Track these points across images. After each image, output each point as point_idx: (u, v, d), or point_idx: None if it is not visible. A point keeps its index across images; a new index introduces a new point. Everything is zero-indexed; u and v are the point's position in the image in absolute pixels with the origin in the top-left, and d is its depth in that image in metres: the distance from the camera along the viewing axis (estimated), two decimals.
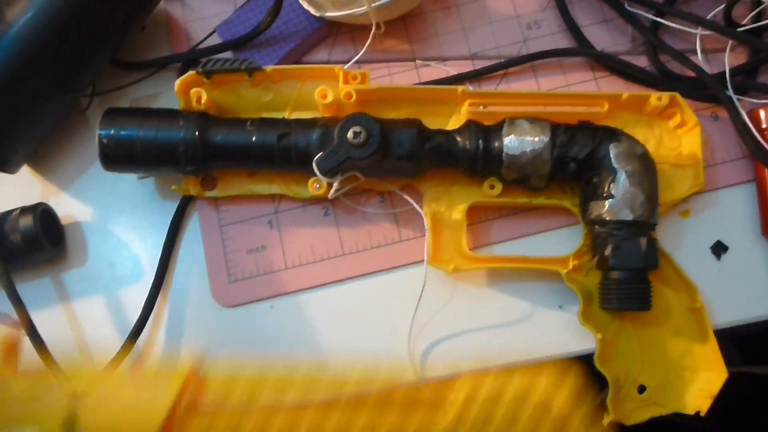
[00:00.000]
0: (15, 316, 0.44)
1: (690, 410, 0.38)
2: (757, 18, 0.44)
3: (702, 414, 0.38)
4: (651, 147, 0.40)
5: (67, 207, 0.46)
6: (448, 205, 0.41)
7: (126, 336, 0.42)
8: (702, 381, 0.38)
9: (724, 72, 0.43)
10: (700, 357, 0.38)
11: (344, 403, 0.33)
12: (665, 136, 0.41)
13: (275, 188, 0.43)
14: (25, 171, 0.46)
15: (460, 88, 0.40)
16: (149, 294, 0.43)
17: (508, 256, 0.41)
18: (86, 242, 0.45)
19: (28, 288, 0.44)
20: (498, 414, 0.32)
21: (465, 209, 0.41)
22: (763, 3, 0.43)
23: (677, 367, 0.38)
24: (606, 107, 0.40)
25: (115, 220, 0.46)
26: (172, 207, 0.45)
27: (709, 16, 0.44)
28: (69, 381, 0.35)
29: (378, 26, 0.44)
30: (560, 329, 0.42)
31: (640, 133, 0.41)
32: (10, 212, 0.43)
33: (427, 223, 0.40)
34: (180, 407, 0.32)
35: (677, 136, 0.41)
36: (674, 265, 0.40)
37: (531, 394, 0.32)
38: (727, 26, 0.43)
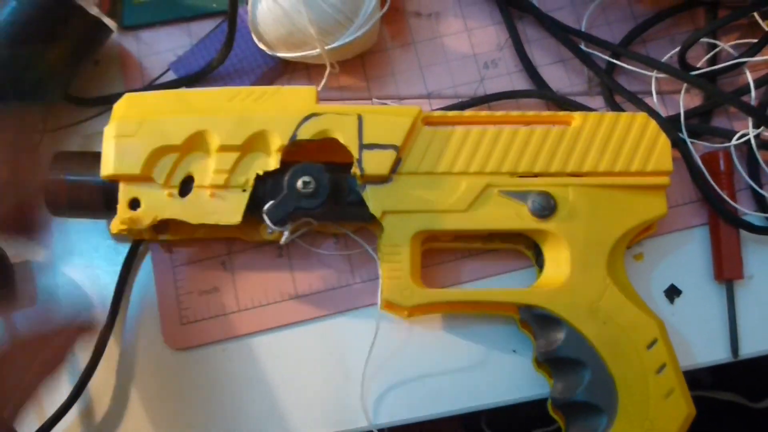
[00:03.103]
0: None
1: None
2: (712, 62, 0.44)
3: None
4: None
5: (16, 247, 0.45)
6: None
7: (76, 378, 0.42)
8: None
9: (679, 114, 0.43)
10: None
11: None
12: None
13: (228, 232, 0.43)
14: None
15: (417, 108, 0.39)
16: (100, 336, 0.42)
17: (465, 291, 0.41)
18: (35, 282, 0.44)
19: None
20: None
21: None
22: (718, 47, 0.43)
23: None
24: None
25: (67, 260, 0.45)
26: (124, 247, 0.44)
27: (664, 59, 0.44)
28: None
29: (333, 66, 0.43)
30: (514, 374, 0.42)
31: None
32: None
33: (380, 267, 0.40)
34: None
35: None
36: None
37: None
38: (682, 69, 0.43)
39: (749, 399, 0.67)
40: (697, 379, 0.74)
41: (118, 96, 0.45)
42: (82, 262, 0.45)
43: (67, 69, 0.43)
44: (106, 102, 0.46)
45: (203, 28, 0.47)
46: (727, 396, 0.69)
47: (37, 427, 0.41)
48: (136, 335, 0.43)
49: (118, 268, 0.44)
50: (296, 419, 0.42)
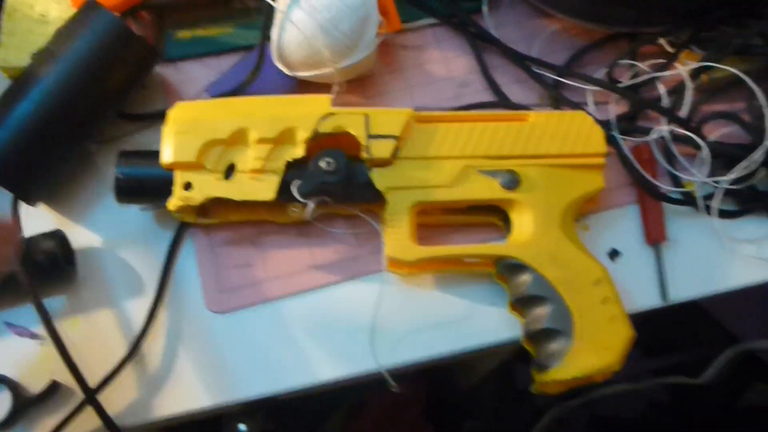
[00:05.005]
0: (31, 329, 0.52)
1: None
2: (635, 76, 0.57)
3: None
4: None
5: (78, 235, 0.54)
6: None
7: (132, 339, 0.51)
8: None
9: (610, 119, 0.55)
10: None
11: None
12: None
13: (258, 215, 0.53)
14: (41, 205, 0.55)
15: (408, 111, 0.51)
16: (152, 305, 0.51)
17: (452, 247, 0.51)
18: (95, 264, 0.53)
19: (47, 303, 0.50)
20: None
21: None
22: (636, 66, 0.56)
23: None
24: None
25: (120, 246, 0.54)
26: (167, 234, 0.54)
27: (597, 75, 0.57)
28: None
29: (340, 85, 0.54)
30: (494, 321, 0.52)
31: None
32: (32, 237, 0.51)
33: (385, 236, 0.50)
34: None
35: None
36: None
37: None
38: (611, 83, 0.56)
39: (690, 376, 0.77)
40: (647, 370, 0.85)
41: (162, 112, 0.56)
42: (132, 248, 0.54)
43: (125, 88, 0.54)
44: (151, 118, 0.56)
45: (230, 60, 0.58)
46: (673, 379, 0.79)
47: (100, 380, 0.49)
48: (182, 303, 0.52)
49: (164, 252, 0.53)
50: (318, 366, 0.51)
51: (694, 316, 1.11)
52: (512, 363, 1.06)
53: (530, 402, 1.08)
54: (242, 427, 0.94)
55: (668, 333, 1.07)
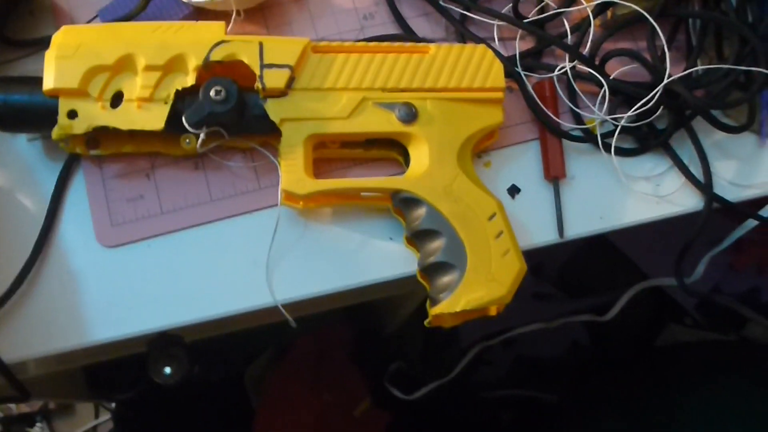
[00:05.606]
0: None
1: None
2: (541, 12, 0.56)
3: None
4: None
5: None
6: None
7: (17, 272, 0.49)
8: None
9: (516, 55, 0.55)
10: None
11: None
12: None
13: (152, 146, 0.51)
14: None
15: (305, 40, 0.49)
16: (38, 238, 0.50)
17: (347, 180, 0.51)
18: None
19: None
20: None
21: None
22: (543, 1, 0.56)
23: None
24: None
25: (6, 177, 0.52)
26: (58, 166, 0.52)
27: (504, 11, 0.56)
28: None
29: (238, 13, 0.52)
30: (391, 256, 0.51)
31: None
32: None
33: (281, 169, 0.49)
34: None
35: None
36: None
37: None
38: (517, 18, 0.55)
39: (598, 314, 0.80)
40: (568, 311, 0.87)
41: (49, 39, 0.53)
42: (20, 180, 0.52)
43: (4, 11, 0.51)
44: (40, 43, 0.53)
45: None
46: (582, 317, 0.82)
47: None
48: (72, 236, 0.51)
49: (52, 183, 0.51)
50: (213, 300, 0.50)
51: (616, 258, 1.14)
52: None
53: (455, 342, 1.10)
54: (167, 370, 0.94)
55: (590, 275, 1.11)
